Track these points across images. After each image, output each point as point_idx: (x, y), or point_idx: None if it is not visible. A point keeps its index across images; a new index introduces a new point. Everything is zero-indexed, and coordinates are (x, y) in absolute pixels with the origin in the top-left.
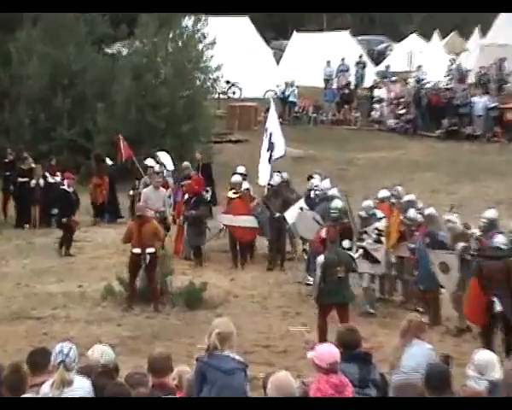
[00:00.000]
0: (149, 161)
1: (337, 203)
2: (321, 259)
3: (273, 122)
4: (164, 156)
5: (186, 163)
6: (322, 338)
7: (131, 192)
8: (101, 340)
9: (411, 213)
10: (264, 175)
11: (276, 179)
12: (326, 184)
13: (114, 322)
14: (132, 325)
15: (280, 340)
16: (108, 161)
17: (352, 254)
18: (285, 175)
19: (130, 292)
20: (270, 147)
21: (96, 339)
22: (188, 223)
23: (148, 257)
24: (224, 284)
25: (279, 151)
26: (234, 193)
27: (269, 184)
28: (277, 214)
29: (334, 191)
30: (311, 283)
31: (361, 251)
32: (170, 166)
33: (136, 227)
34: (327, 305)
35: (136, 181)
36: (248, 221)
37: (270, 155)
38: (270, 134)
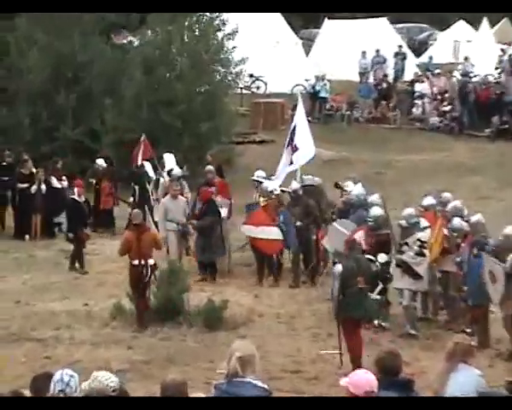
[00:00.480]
0: (168, 161)
1: (376, 211)
2: (339, 268)
3: (301, 121)
4: (168, 159)
5: (209, 167)
6: (357, 362)
7: (131, 199)
8: (110, 364)
9: (456, 222)
10: (277, 179)
11: (294, 186)
12: (359, 189)
13: (125, 344)
14: (145, 347)
15: (310, 365)
16: (101, 162)
17: (381, 266)
18: (317, 179)
19: (137, 310)
20: (291, 148)
21: (104, 363)
22: (196, 235)
23: (148, 269)
24: (247, 301)
25: (307, 153)
26: (264, 201)
27: (289, 191)
28: (298, 223)
29: (374, 198)
30: None
31: (392, 264)
32: (175, 169)
33: (134, 237)
34: (347, 319)
35: (134, 186)
36: (271, 233)
37: (291, 160)
38: (293, 133)
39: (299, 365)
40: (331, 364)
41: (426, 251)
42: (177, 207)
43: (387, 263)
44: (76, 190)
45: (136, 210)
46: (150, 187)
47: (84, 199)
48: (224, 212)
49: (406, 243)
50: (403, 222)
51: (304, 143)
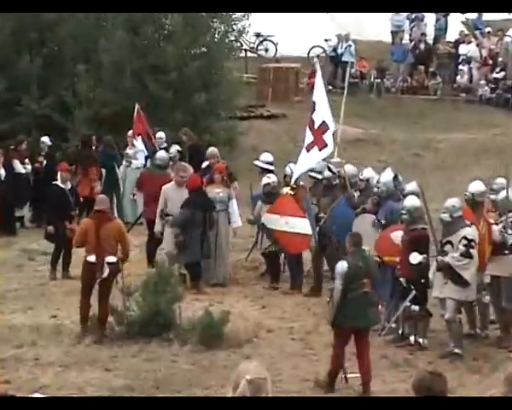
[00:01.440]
0: (174, 148)
1: (411, 201)
2: (343, 266)
3: (319, 91)
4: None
5: (212, 149)
6: (334, 374)
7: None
8: (84, 390)
9: None
10: (299, 170)
11: (327, 173)
12: (388, 175)
13: (102, 366)
14: (126, 369)
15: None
16: (46, 140)
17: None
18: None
19: (81, 316)
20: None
21: (76, 390)
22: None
23: (106, 268)
24: (252, 313)
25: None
26: (291, 189)
27: (319, 178)
28: (322, 214)
29: (413, 186)
30: None
31: (432, 267)
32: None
33: (92, 227)
34: (347, 329)
35: (101, 169)
36: (298, 225)
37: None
38: (313, 108)
39: (318, 392)
40: (357, 390)
41: (474, 252)
42: (180, 197)
43: (423, 265)
44: (60, 174)
45: (101, 195)
46: (121, 171)
47: (69, 186)
48: (233, 206)
49: (449, 242)
50: (445, 216)
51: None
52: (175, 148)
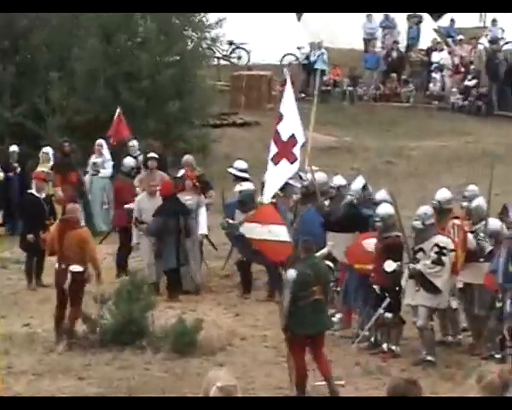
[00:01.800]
0: (128, 160)
1: (384, 209)
2: (292, 274)
3: (288, 103)
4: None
5: (187, 157)
6: (301, 384)
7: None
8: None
9: (493, 223)
10: (272, 186)
11: (338, 180)
12: (359, 183)
13: (75, 374)
14: (99, 377)
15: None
16: (15, 149)
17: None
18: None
19: (54, 323)
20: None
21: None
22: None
23: (70, 277)
24: (226, 321)
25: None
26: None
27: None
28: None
29: (382, 194)
30: (335, 320)
31: (404, 274)
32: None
33: (56, 235)
34: (301, 336)
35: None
36: (281, 233)
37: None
38: (280, 119)
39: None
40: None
41: (446, 259)
42: (153, 207)
43: (396, 273)
44: (35, 183)
45: (72, 204)
46: (86, 179)
47: (44, 195)
48: (201, 214)
49: (422, 249)
50: (417, 223)
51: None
52: (151, 155)
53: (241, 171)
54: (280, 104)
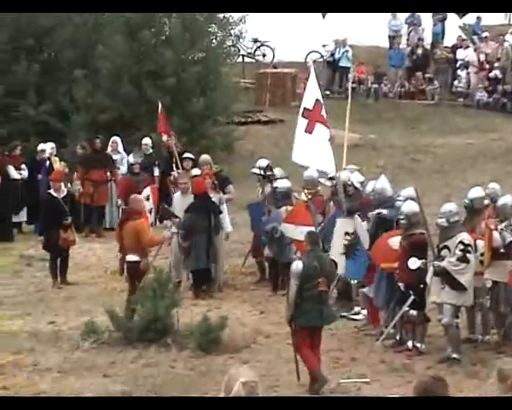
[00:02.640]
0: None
1: (409, 206)
2: (298, 266)
3: (311, 95)
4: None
5: (204, 156)
6: (315, 371)
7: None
8: (82, 396)
9: None
10: (316, 154)
11: (356, 177)
12: (383, 183)
13: (100, 372)
14: (124, 375)
15: (328, 396)
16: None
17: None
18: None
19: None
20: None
21: (74, 395)
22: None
23: (125, 266)
24: (250, 319)
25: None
26: (308, 194)
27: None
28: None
29: (409, 191)
30: (359, 317)
31: (429, 272)
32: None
33: (118, 225)
34: (304, 328)
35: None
36: (295, 233)
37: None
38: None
39: (316, 397)
40: (355, 395)
41: (471, 256)
42: (186, 205)
43: (421, 270)
44: (52, 183)
45: (136, 195)
46: None
47: (64, 194)
48: (223, 211)
49: (446, 247)
50: (442, 221)
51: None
52: (187, 155)
53: (263, 169)
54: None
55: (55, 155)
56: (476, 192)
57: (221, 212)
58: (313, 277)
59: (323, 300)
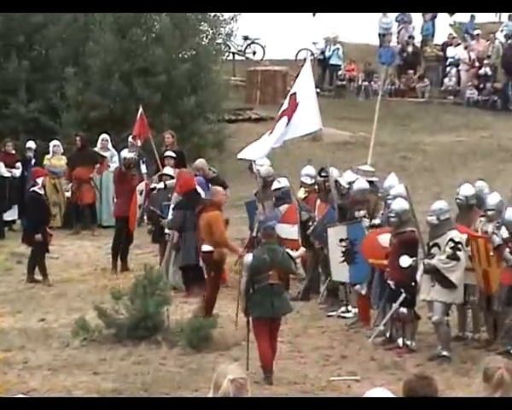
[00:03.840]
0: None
1: (401, 204)
2: (248, 259)
3: (306, 86)
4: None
5: (199, 161)
6: (268, 365)
7: None
8: (72, 393)
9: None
10: (261, 148)
11: (361, 184)
12: (391, 181)
13: (90, 369)
14: (115, 373)
15: (318, 394)
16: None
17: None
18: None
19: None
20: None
21: (65, 393)
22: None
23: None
24: (241, 316)
25: (311, 125)
26: (305, 192)
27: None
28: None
29: (399, 189)
30: (349, 315)
31: (419, 270)
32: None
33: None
34: (260, 319)
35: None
36: (290, 232)
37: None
38: (292, 99)
39: (306, 395)
40: (345, 393)
41: (461, 254)
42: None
43: (412, 268)
44: (39, 180)
45: (215, 186)
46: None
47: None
48: None
49: (436, 245)
50: (432, 219)
51: (308, 115)
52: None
53: (315, 176)
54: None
55: (62, 154)
56: (469, 189)
57: None
58: (263, 269)
59: (275, 292)
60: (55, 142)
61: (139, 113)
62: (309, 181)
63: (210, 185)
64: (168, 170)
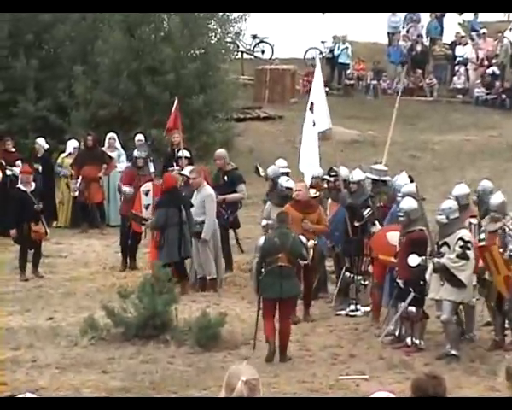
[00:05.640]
0: (185, 152)
1: (410, 203)
2: (260, 241)
3: (318, 87)
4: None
5: (219, 151)
6: (271, 341)
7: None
8: (81, 392)
9: None
10: (308, 160)
11: (345, 172)
12: (403, 179)
13: (98, 368)
14: (123, 371)
15: (327, 393)
16: (42, 142)
17: (304, 241)
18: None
19: None
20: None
21: (73, 391)
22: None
23: None
24: (249, 315)
25: (322, 124)
26: (316, 191)
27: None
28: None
29: (410, 188)
30: (359, 314)
31: (428, 269)
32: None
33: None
34: (268, 299)
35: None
36: None
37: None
38: (311, 104)
39: (315, 393)
40: (353, 392)
41: (470, 253)
42: (194, 201)
43: (421, 267)
44: (21, 177)
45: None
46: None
47: (32, 188)
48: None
49: (446, 243)
50: (441, 218)
51: (319, 115)
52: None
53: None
54: (309, 93)
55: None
56: (462, 189)
57: (192, 205)
58: (273, 252)
59: (284, 274)
60: (112, 134)
61: (174, 105)
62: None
63: (226, 178)
64: (187, 170)
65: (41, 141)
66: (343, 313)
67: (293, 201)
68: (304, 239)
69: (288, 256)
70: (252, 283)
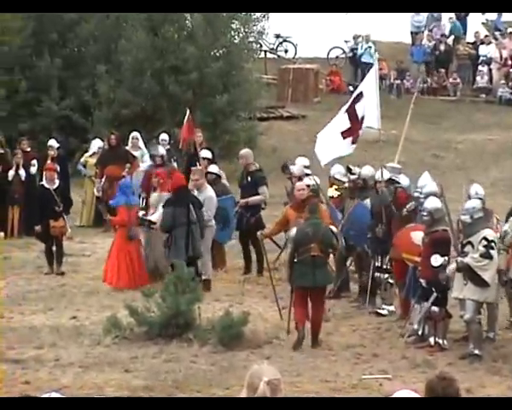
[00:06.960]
0: (205, 153)
1: (433, 203)
2: (293, 232)
3: (371, 85)
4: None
5: (245, 151)
6: (299, 328)
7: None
8: (104, 391)
9: None
10: (329, 151)
11: (366, 172)
12: (425, 180)
13: (121, 367)
14: (146, 370)
15: (350, 392)
16: (54, 143)
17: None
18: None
19: None
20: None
21: (96, 390)
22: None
23: None
24: (272, 314)
25: (370, 121)
26: (336, 189)
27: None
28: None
29: (432, 187)
30: (384, 312)
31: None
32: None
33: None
34: (299, 288)
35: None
36: None
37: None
38: (359, 98)
39: (337, 393)
40: (377, 391)
41: (494, 252)
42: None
43: (444, 267)
44: (45, 174)
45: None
46: None
47: (56, 185)
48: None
49: (470, 243)
50: (465, 217)
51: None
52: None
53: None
54: (360, 84)
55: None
56: (476, 189)
57: (202, 206)
58: (305, 242)
59: (317, 263)
60: (135, 133)
61: (186, 117)
62: (343, 179)
63: (249, 179)
64: (213, 168)
65: (52, 142)
66: (380, 311)
67: (295, 202)
68: (334, 229)
69: (320, 246)
70: (284, 272)
